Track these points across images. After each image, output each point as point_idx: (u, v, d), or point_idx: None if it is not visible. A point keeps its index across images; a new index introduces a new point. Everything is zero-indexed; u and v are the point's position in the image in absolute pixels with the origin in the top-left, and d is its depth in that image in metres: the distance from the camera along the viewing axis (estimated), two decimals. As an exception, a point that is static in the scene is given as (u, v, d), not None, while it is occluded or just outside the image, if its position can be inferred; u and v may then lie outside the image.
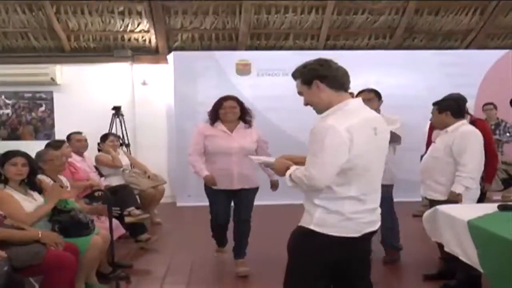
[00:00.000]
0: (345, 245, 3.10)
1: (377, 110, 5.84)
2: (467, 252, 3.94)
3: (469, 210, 4.21)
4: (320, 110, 3.15)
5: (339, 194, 3.03)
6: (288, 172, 3.14)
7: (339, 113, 3.03)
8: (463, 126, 5.04)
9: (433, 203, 4.89)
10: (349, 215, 3.05)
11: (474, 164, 4.88)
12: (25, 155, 4.71)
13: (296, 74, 3.21)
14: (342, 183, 3.01)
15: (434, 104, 5.31)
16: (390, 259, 6.01)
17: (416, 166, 5.84)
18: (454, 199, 4.82)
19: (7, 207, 4.40)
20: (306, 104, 3.23)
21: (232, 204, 5.72)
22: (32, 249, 4.09)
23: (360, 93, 5.82)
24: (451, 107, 5.12)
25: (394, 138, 5.69)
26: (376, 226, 3.27)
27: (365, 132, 3.01)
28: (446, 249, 4.28)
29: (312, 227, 3.09)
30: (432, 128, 6.04)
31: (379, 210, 3.29)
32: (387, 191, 5.83)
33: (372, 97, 5.83)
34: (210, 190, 5.59)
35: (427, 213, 4.59)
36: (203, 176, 5.52)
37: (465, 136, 4.94)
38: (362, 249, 3.34)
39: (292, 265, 3.24)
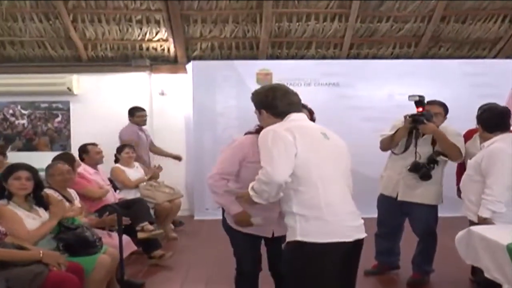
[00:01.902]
0: (337, 253, 3.06)
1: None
2: (510, 279, 3.61)
3: (507, 232, 3.87)
4: None
5: (308, 194, 3.06)
6: (250, 185, 3.17)
7: (281, 123, 3.29)
8: (496, 143, 4.57)
9: (470, 223, 4.54)
10: (329, 218, 3.04)
11: (500, 187, 4.40)
12: (29, 168, 4.48)
13: (251, 97, 3.58)
14: (305, 182, 3.07)
15: None
16: (415, 281, 5.65)
17: (449, 179, 5.65)
18: (482, 223, 4.41)
19: (8, 224, 4.17)
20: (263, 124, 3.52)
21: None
22: (33, 270, 3.84)
23: (429, 104, 5.48)
24: (482, 120, 4.78)
25: (455, 154, 5.40)
26: (363, 234, 3.22)
27: (309, 133, 3.21)
28: (487, 275, 3.91)
29: (298, 238, 3.06)
30: (466, 138, 5.69)
31: (361, 220, 3.24)
32: (428, 211, 5.55)
33: (441, 111, 5.56)
34: (233, 229, 4.03)
35: (460, 234, 4.24)
36: (234, 214, 3.83)
37: (492, 155, 4.50)
38: (355, 260, 3.28)
39: (291, 283, 3.19)
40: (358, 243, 3.17)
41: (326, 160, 3.14)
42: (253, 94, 3.55)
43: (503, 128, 4.69)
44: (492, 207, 4.39)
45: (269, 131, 3.14)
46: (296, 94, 3.45)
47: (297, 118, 3.33)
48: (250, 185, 3.14)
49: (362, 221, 3.23)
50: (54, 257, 4.07)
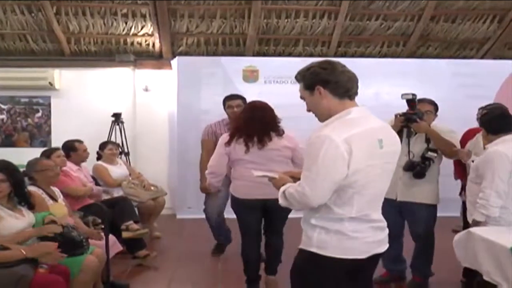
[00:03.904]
0: (352, 268, 2.83)
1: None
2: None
3: (510, 234, 3.78)
4: (322, 118, 2.90)
5: (338, 215, 2.77)
6: (282, 188, 2.88)
7: (339, 122, 2.77)
8: (496, 146, 4.44)
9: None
10: (351, 234, 2.78)
11: (492, 190, 4.28)
12: (3, 169, 4.23)
13: (298, 77, 2.97)
14: (342, 203, 2.76)
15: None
16: (417, 284, 5.51)
17: (442, 180, 5.50)
18: (476, 226, 4.30)
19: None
20: (308, 110, 2.99)
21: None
22: (18, 272, 3.66)
23: (418, 102, 5.33)
24: (483, 123, 4.68)
25: (450, 151, 5.30)
26: (384, 247, 2.98)
27: (367, 144, 2.74)
28: (486, 278, 3.82)
29: (313, 249, 2.82)
30: (467, 138, 5.59)
31: (387, 230, 3.00)
32: (429, 211, 5.42)
33: (431, 109, 5.43)
34: None
35: (458, 236, 4.14)
36: None
37: (488, 158, 4.38)
38: (369, 273, 3.10)
39: None
40: (375, 257, 2.94)
41: (371, 180, 2.78)
42: (302, 71, 2.94)
43: (507, 129, 4.55)
44: (484, 211, 4.28)
45: (325, 138, 2.65)
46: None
47: (357, 116, 2.81)
48: (282, 189, 2.88)
49: (387, 231, 3.00)
50: (36, 249, 3.90)
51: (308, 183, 2.69)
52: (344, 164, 2.64)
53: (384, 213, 5.51)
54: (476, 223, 4.33)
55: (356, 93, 2.89)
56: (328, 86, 2.82)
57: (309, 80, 2.89)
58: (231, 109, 6.38)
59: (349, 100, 2.86)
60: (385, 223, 2.97)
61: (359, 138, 2.70)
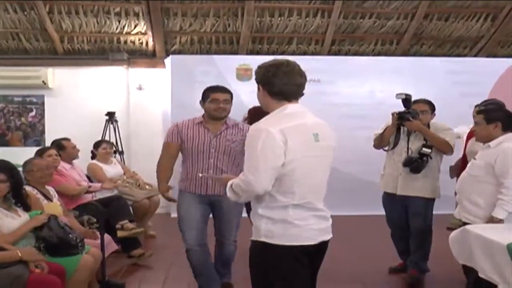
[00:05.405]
0: (302, 255, 3.02)
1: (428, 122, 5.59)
2: (508, 281, 3.49)
3: (506, 231, 3.76)
4: (267, 111, 3.17)
5: (282, 203, 2.97)
6: (229, 183, 3.07)
7: (276, 117, 3.03)
8: (507, 142, 4.38)
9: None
10: (295, 221, 2.97)
11: None
12: (4, 169, 4.22)
13: (255, 70, 3.21)
14: (284, 191, 2.96)
15: (480, 112, 4.77)
16: (414, 278, 5.57)
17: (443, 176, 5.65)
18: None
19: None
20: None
21: None
22: (13, 273, 3.65)
23: (414, 103, 5.53)
24: (502, 118, 4.52)
25: (444, 148, 5.46)
26: (329, 235, 3.16)
27: (301, 136, 2.97)
28: (481, 275, 3.80)
29: (262, 239, 3.02)
30: (469, 137, 5.61)
31: (330, 221, 3.17)
32: (425, 205, 5.56)
33: (426, 109, 5.56)
34: None
35: (454, 233, 4.12)
36: None
37: (508, 153, 4.31)
38: (320, 259, 3.23)
39: (255, 283, 3.13)
40: (323, 245, 3.13)
41: (310, 170, 2.99)
42: (258, 66, 3.16)
43: None
44: (509, 208, 4.24)
45: (262, 130, 2.90)
46: (302, 76, 3.08)
47: (293, 112, 3.03)
48: (229, 183, 3.05)
49: (330, 222, 3.17)
50: (32, 254, 3.90)
51: (251, 171, 2.89)
52: (281, 152, 2.87)
53: (389, 208, 5.70)
54: (498, 222, 4.27)
55: (297, 96, 3.10)
56: (266, 87, 3.07)
57: (256, 77, 3.16)
58: (215, 104, 4.84)
59: (286, 102, 3.07)
60: (328, 213, 3.15)
61: (294, 130, 2.93)
